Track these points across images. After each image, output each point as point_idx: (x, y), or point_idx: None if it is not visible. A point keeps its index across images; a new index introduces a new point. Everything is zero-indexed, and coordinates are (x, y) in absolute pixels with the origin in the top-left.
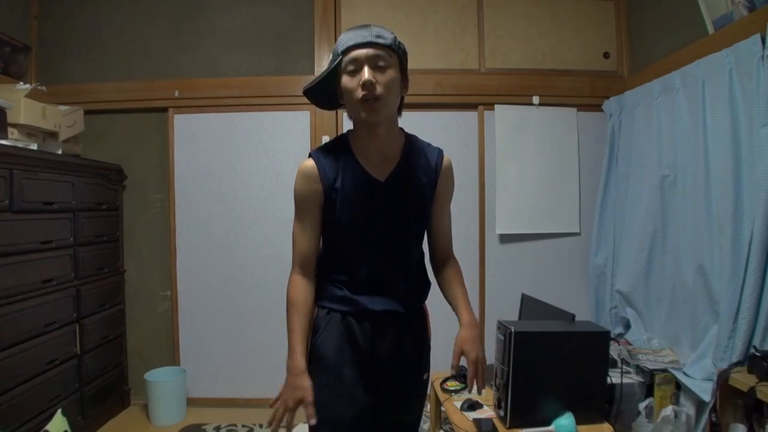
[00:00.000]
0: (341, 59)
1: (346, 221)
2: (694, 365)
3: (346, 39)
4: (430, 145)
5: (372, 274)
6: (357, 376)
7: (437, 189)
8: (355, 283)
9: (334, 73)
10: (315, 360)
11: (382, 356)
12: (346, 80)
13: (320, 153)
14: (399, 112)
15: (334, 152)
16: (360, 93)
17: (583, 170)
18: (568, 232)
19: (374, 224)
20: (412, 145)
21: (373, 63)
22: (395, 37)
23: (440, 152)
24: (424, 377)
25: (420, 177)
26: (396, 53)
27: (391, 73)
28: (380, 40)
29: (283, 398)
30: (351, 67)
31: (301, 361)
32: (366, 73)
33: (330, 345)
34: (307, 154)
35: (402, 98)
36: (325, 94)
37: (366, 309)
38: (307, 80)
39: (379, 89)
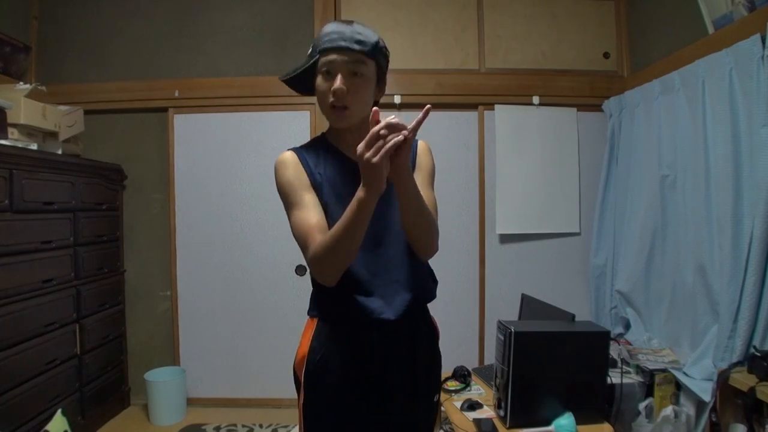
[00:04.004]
0: (318, 58)
1: (334, 210)
2: (694, 365)
3: (326, 37)
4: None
5: (372, 267)
6: (364, 398)
7: (416, 164)
8: (356, 281)
9: (312, 66)
10: (316, 382)
11: (391, 372)
12: (319, 81)
13: (298, 147)
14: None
15: (311, 145)
16: (330, 99)
17: (583, 170)
18: (568, 232)
19: None
20: None
21: (347, 70)
22: (378, 40)
23: (416, 140)
24: (435, 399)
25: None
26: (374, 59)
27: (364, 82)
28: (357, 47)
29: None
30: (325, 69)
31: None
32: (338, 81)
33: (333, 366)
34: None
35: (377, 99)
36: (303, 80)
37: (374, 318)
38: None
39: (348, 99)
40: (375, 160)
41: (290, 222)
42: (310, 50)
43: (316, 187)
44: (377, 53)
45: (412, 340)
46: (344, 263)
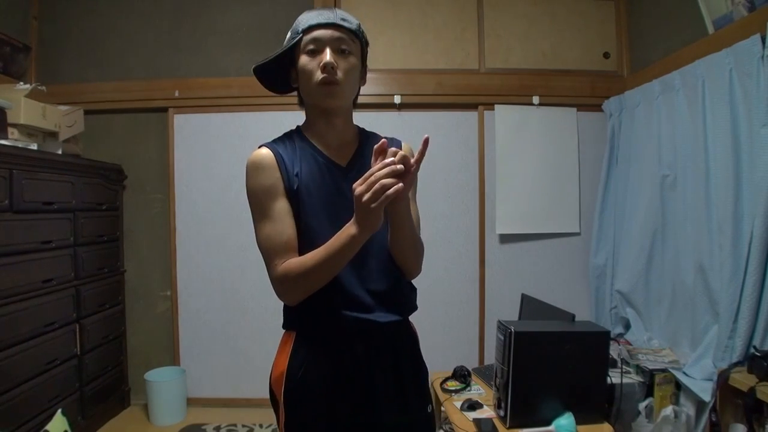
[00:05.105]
0: (301, 38)
1: (313, 214)
2: (694, 365)
3: (308, 17)
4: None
5: (355, 279)
6: (352, 414)
7: None
8: (339, 294)
9: (290, 53)
10: (298, 400)
11: (379, 386)
12: (305, 61)
13: (272, 142)
14: (354, 104)
15: (288, 141)
16: (319, 76)
17: (583, 170)
18: (568, 232)
19: (345, 214)
20: (366, 132)
21: (335, 46)
22: (360, 24)
23: (399, 141)
24: (429, 410)
25: None
26: (359, 40)
27: (353, 60)
28: (345, 24)
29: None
30: (311, 47)
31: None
32: (328, 54)
33: (316, 382)
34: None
35: (358, 90)
36: (276, 74)
37: (358, 331)
38: None
39: (339, 74)
40: (374, 206)
41: (257, 232)
42: (289, 35)
43: (291, 193)
44: (361, 36)
45: (396, 351)
46: (317, 288)
